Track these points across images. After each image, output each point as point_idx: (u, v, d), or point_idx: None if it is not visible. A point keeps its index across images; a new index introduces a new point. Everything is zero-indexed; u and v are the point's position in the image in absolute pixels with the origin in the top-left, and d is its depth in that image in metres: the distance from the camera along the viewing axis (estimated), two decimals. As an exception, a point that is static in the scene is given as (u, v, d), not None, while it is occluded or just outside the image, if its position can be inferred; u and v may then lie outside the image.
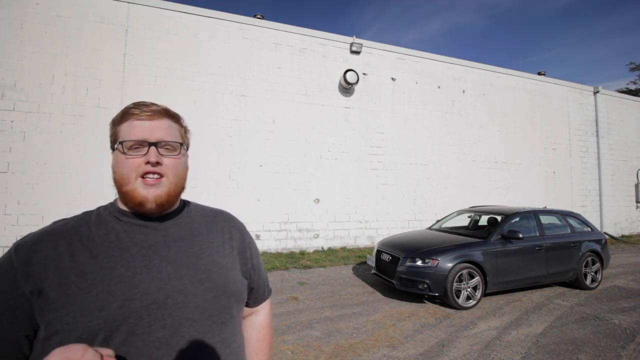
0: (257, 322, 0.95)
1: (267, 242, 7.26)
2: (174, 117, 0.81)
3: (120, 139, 0.73)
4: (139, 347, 0.64)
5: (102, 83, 6.32)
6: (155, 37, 6.72)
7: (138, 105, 0.76)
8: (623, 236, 11.13)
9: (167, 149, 0.75)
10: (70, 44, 6.21)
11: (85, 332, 0.62)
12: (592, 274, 5.29)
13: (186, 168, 0.81)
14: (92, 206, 0.81)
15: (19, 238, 0.72)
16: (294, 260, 6.68)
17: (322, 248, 7.71)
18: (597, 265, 5.36)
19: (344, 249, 7.78)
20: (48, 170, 5.97)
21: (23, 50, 5.96)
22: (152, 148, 0.73)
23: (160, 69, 6.70)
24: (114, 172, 0.74)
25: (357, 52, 8.29)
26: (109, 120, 0.79)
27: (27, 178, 5.86)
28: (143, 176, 0.72)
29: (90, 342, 0.62)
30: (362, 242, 8.12)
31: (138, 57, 6.58)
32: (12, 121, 5.84)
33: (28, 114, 5.92)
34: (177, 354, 0.67)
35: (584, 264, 5.23)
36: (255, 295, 0.93)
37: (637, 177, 12.11)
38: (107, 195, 0.84)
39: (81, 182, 6.10)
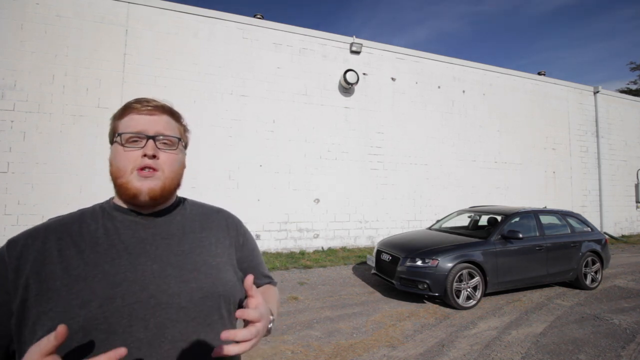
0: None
1: (267, 242, 7.25)
2: (174, 115, 0.81)
3: (119, 132, 0.74)
4: (119, 347, 0.62)
5: (102, 83, 6.32)
6: (155, 37, 6.72)
7: (139, 100, 0.77)
8: (623, 236, 11.13)
9: (165, 143, 0.75)
10: (70, 44, 6.20)
11: None
12: (592, 274, 5.29)
13: (183, 165, 0.81)
14: (91, 206, 0.80)
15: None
16: (294, 260, 6.68)
17: (322, 248, 7.71)
18: (597, 265, 5.36)
19: (344, 249, 7.78)
20: (48, 170, 5.96)
21: (23, 50, 5.95)
22: (150, 141, 0.73)
23: (160, 69, 6.70)
24: (110, 164, 0.74)
25: (357, 52, 8.29)
26: (109, 120, 0.79)
27: (27, 178, 5.85)
28: (139, 169, 0.72)
29: (71, 339, 0.59)
30: (362, 242, 8.12)
31: (138, 57, 6.57)
32: (12, 121, 5.83)
33: (28, 114, 5.92)
34: (159, 356, 0.65)
35: (584, 264, 5.23)
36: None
37: (637, 177, 12.10)
38: (108, 195, 0.84)
39: (81, 182, 6.09)
